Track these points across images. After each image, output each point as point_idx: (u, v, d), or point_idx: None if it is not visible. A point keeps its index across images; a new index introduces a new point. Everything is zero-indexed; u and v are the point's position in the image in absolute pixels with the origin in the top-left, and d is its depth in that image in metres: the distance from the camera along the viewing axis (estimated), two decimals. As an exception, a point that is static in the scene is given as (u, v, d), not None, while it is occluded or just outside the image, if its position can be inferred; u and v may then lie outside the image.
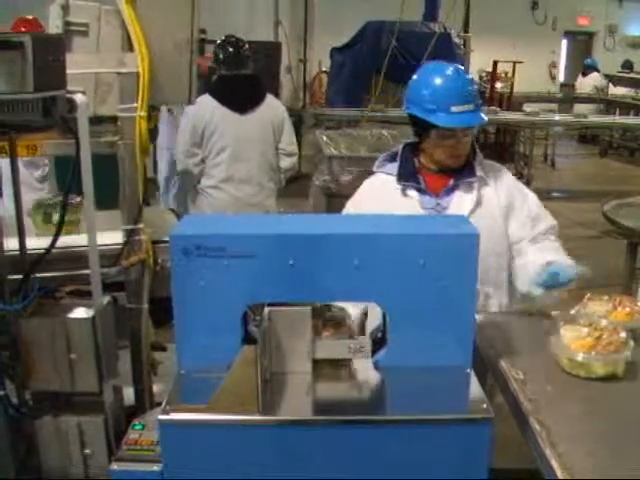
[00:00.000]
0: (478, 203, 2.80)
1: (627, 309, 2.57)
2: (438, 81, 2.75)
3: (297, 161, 5.02)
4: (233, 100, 4.54)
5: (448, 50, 11.18)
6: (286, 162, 4.82)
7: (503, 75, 13.87)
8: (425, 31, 11.18)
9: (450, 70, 2.78)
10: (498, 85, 13.50)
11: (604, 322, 2.36)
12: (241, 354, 2.02)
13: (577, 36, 20.55)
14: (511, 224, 2.86)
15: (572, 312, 2.58)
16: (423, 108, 2.73)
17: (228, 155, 4.59)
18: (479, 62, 14.55)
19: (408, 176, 2.84)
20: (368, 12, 12.94)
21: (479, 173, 2.83)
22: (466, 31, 14.00)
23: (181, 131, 4.53)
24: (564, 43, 20.43)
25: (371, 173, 3.01)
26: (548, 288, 2.62)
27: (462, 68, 2.85)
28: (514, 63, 13.32)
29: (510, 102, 13.20)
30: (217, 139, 4.55)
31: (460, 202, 2.79)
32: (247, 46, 4.86)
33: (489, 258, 2.75)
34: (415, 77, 2.84)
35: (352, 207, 2.97)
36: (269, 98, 4.81)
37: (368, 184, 2.99)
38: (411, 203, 2.81)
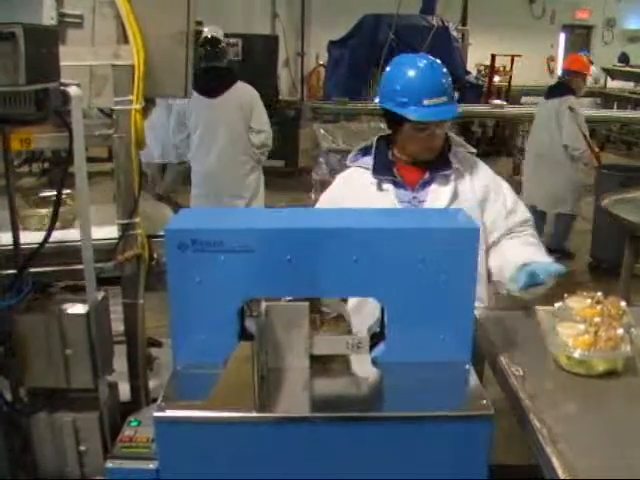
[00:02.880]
0: (455, 196, 2.78)
1: (611, 308, 2.53)
2: (410, 74, 2.71)
3: (269, 137, 5.64)
4: (205, 87, 5.30)
5: (446, 43, 11.18)
6: (256, 138, 5.57)
7: (501, 69, 13.86)
8: (423, 24, 11.18)
9: (422, 63, 2.73)
10: (496, 79, 13.48)
11: (597, 319, 2.34)
12: (238, 350, 2.00)
13: (575, 30, 20.53)
14: (486, 216, 2.83)
15: (554, 308, 2.59)
16: (395, 102, 2.71)
17: (200, 132, 5.53)
18: (477, 56, 14.54)
19: (383, 169, 2.82)
20: (366, 5, 12.89)
21: (455, 165, 2.80)
22: (464, 24, 14.00)
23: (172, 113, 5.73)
24: (562, 37, 20.40)
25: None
26: (527, 287, 2.60)
27: (436, 61, 2.78)
28: (512, 57, 13.32)
29: (508, 96, 13.19)
30: (193, 120, 5.54)
31: (437, 195, 2.77)
32: (222, 44, 5.75)
33: None
34: (387, 70, 2.82)
35: (326, 202, 2.95)
36: (239, 84, 5.58)
37: (342, 178, 2.98)
38: (387, 197, 2.79)
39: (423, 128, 2.71)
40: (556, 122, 7.11)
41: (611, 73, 14.85)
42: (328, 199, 2.96)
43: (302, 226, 2.13)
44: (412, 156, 2.81)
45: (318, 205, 2.97)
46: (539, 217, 7.12)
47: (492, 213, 2.83)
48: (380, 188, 2.80)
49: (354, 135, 7.87)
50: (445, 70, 2.75)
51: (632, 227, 4.79)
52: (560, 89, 7.36)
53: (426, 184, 2.80)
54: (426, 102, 2.65)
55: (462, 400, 2.11)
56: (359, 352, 2.19)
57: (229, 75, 5.67)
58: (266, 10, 15.81)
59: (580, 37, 20.55)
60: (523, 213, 2.91)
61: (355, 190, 2.85)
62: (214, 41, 5.67)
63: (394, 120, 2.77)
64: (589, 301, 2.36)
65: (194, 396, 1.98)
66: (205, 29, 6.48)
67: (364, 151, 2.92)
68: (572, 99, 7.08)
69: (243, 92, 5.59)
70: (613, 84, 14.82)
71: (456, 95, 2.94)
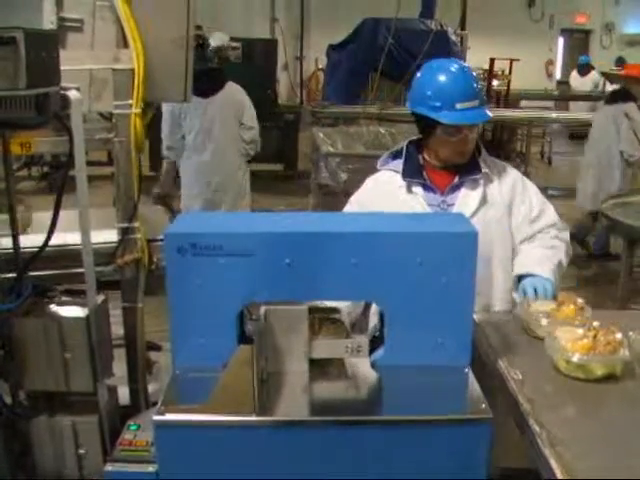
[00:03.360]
0: (484, 200, 2.79)
1: (572, 306, 2.58)
2: (442, 78, 2.74)
3: (257, 134, 5.92)
4: (199, 88, 5.13)
5: (445, 48, 11.15)
6: (247, 134, 5.84)
7: (500, 73, 13.86)
8: (422, 29, 11.16)
9: (454, 67, 2.76)
10: (495, 83, 13.49)
11: (596, 322, 2.34)
12: (237, 354, 2.00)
13: (574, 34, 20.56)
14: (512, 220, 2.84)
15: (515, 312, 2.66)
16: (428, 106, 2.72)
17: (196, 131, 5.66)
18: (476, 60, 14.48)
19: (413, 172, 2.83)
20: (365, 9, 12.92)
21: (484, 170, 2.82)
22: (463, 28, 13.98)
23: (165, 111, 5.60)
24: (561, 41, 20.43)
25: (373, 172, 3.00)
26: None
27: (467, 65, 2.84)
28: (511, 61, 13.32)
29: (507, 100, 13.21)
30: (189, 120, 5.65)
31: (466, 199, 2.79)
32: (212, 46, 6.06)
33: (496, 253, 2.78)
34: (419, 75, 2.84)
35: (356, 204, 2.95)
36: (230, 85, 5.82)
37: (372, 181, 2.98)
38: (416, 200, 2.80)
39: (455, 132, 2.73)
40: (615, 127, 7.20)
41: (610, 77, 14.84)
42: (357, 201, 2.96)
43: (302, 230, 2.14)
44: (444, 160, 2.83)
45: (347, 207, 2.97)
46: (592, 219, 7.28)
47: (517, 217, 2.85)
48: (410, 191, 2.82)
49: (353, 139, 7.87)
50: (475, 74, 2.80)
51: (630, 231, 4.80)
52: (621, 95, 7.43)
53: (455, 188, 2.82)
54: (459, 106, 2.67)
55: (461, 403, 2.11)
56: (358, 356, 2.19)
57: (220, 76, 5.89)
58: (265, 14, 15.83)
59: (579, 41, 20.58)
60: (549, 217, 2.90)
61: (384, 193, 2.87)
62: (203, 44, 5.86)
63: (426, 124, 2.79)
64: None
65: (194, 400, 1.98)
66: (212, 38, 7.05)
67: (394, 155, 2.94)
68: (632, 105, 7.14)
69: (235, 91, 5.88)
70: (612, 88, 14.81)
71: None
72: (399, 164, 2.87)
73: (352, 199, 2.99)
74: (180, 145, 5.77)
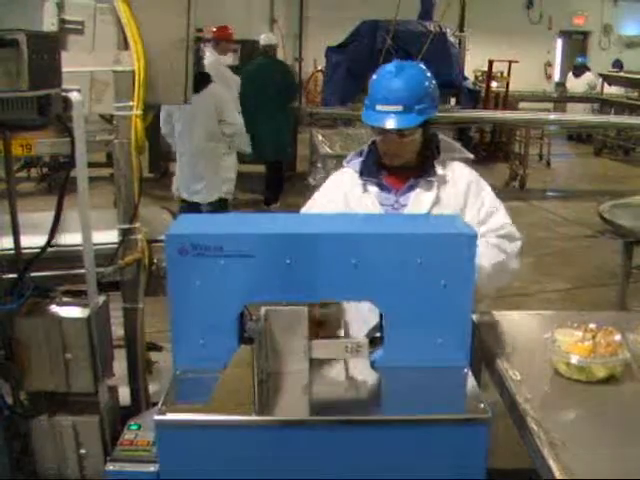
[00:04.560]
0: (436, 202, 2.79)
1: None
2: (376, 78, 2.77)
3: (239, 128, 6.56)
4: None
5: (443, 49, 11.19)
6: (228, 129, 6.41)
7: (499, 74, 13.87)
8: (421, 30, 11.17)
9: (391, 69, 2.74)
10: (494, 84, 13.49)
11: (592, 324, 2.35)
12: (237, 354, 2.01)
13: (572, 35, 20.58)
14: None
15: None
16: (365, 103, 2.77)
17: (182, 123, 6.27)
18: (475, 61, 14.57)
19: (370, 172, 2.85)
20: (364, 11, 12.93)
21: (440, 172, 2.81)
22: (462, 30, 14.02)
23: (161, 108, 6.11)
24: (559, 42, 20.45)
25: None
26: None
27: (413, 69, 2.79)
28: (509, 62, 13.32)
29: (505, 101, 13.22)
30: (177, 113, 6.24)
31: (419, 200, 2.78)
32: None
33: None
34: None
35: (322, 198, 2.97)
36: (214, 85, 6.36)
37: (334, 178, 3.00)
38: (370, 199, 2.81)
39: (380, 133, 2.75)
40: None
41: (608, 79, 14.87)
42: (324, 197, 2.98)
43: (301, 231, 2.15)
44: (384, 159, 2.85)
45: (312, 201, 2.99)
46: None
47: (468, 218, 2.82)
48: (365, 190, 2.83)
49: (351, 140, 7.88)
50: (417, 79, 2.73)
51: (627, 232, 4.80)
52: None
53: (410, 189, 2.82)
54: (378, 107, 2.69)
55: (460, 404, 2.12)
56: (358, 356, 2.20)
57: (204, 77, 6.30)
58: (264, 15, 15.84)
59: (577, 43, 20.58)
60: (496, 221, 2.86)
61: (343, 190, 2.88)
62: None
63: None
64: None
65: (194, 400, 2.00)
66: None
67: (360, 153, 2.95)
68: None
69: (216, 93, 6.41)
70: (610, 90, 14.83)
71: (441, 101, 2.92)
72: (359, 162, 2.90)
73: (316, 194, 3.01)
74: (171, 135, 6.40)
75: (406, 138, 2.73)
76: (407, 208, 2.78)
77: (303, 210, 2.94)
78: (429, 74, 2.80)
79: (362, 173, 2.84)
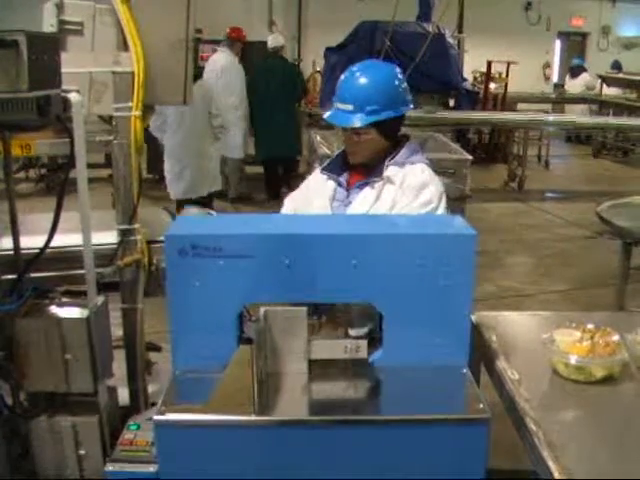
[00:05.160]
0: (377, 200, 2.79)
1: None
2: (341, 76, 2.82)
3: (224, 121, 7.06)
4: None
5: (442, 50, 11.19)
6: (215, 121, 6.80)
7: (497, 75, 13.87)
8: (419, 31, 11.17)
9: (356, 69, 2.79)
10: (492, 85, 13.50)
11: (590, 325, 2.35)
12: (237, 354, 2.02)
13: (571, 36, 20.58)
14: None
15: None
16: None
17: (173, 115, 6.47)
18: (473, 62, 14.56)
19: (333, 168, 2.89)
20: (362, 12, 12.93)
21: (386, 174, 2.80)
22: (460, 31, 14.03)
23: None
24: (558, 43, 20.45)
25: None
26: None
27: (379, 69, 2.85)
28: (508, 63, 13.32)
29: (504, 103, 13.22)
30: (171, 108, 6.25)
31: (363, 198, 2.80)
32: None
33: None
34: None
35: (291, 198, 3.02)
36: (201, 81, 6.94)
37: (310, 177, 3.06)
38: (325, 192, 2.84)
39: (340, 130, 2.83)
40: None
41: (606, 80, 14.87)
42: (291, 197, 3.03)
43: (301, 231, 2.16)
44: (348, 157, 2.88)
45: (286, 199, 3.03)
46: None
47: (399, 206, 2.80)
48: (325, 184, 2.87)
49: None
50: (374, 80, 2.75)
51: (624, 233, 4.80)
52: None
53: (359, 188, 2.84)
54: (337, 105, 2.75)
55: (459, 403, 2.12)
56: (357, 356, 2.20)
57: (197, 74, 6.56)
58: (263, 17, 15.83)
59: (575, 44, 20.59)
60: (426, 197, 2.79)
61: (312, 185, 2.95)
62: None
63: None
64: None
65: (194, 400, 2.00)
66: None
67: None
68: None
69: (204, 87, 6.83)
70: (609, 91, 14.84)
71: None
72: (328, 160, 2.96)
73: (291, 194, 3.06)
74: (162, 129, 6.56)
75: (360, 137, 2.75)
76: (352, 205, 2.79)
77: (283, 211, 2.97)
78: (395, 76, 2.80)
79: (325, 168, 2.90)
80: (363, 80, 2.75)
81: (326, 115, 2.81)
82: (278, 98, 9.19)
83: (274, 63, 9.43)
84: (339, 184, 2.86)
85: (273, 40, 9.51)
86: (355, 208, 2.73)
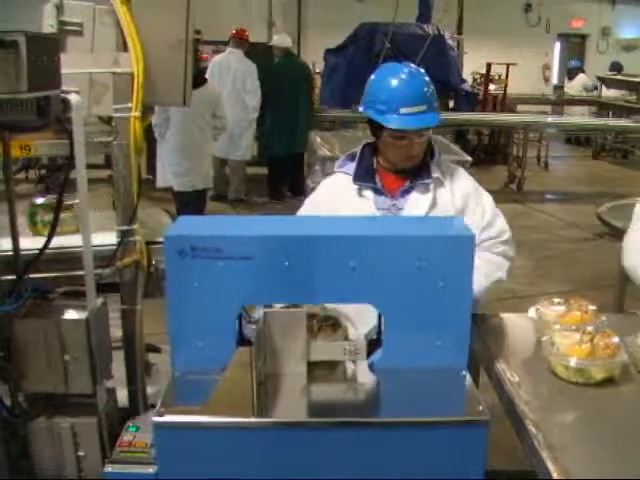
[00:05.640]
0: (433, 204, 2.79)
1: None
2: (390, 82, 2.73)
3: (226, 123, 7.49)
4: None
5: (442, 52, 11.21)
6: (219, 122, 7.23)
7: (496, 77, 13.88)
8: (419, 33, 11.20)
9: (403, 71, 2.74)
10: (492, 87, 13.51)
11: (590, 327, 2.35)
12: (236, 356, 2.01)
13: (570, 38, 20.59)
14: None
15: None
16: (375, 109, 2.72)
17: (178, 115, 6.70)
18: (472, 64, 14.57)
19: (364, 176, 2.83)
20: (362, 13, 12.95)
21: (435, 174, 2.81)
22: (460, 33, 14.04)
23: None
24: (557, 45, 20.46)
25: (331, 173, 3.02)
26: None
27: (419, 69, 2.81)
28: (507, 65, 13.33)
29: (504, 104, 13.23)
30: (173, 108, 6.49)
31: (416, 203, 2.78)
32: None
33: None
34: (372, 77, 2.82)
35: (310, 205, 2.97)
36: (209, 84, 7.29)
37: (326, 184, 2.99)
38: (366, 203, 2.80)
39: (401, 137, 2.72)
40: None
41: (606, 82, 14.88)
42: (312, 203, 2.97)
43: (300, 233, 2.15)
44: (392, 164, 2.82)
45: (303, 208, 2.98)
46: None
47: (469, 222, 2.81)
48: (360, 194, 2.82)
49: (350, 143, 7.88)
50: (427, 79, 2.75)
51: (623, 234, 4.79)
52: None
53: (406, 192, 2.81)
54: (403, 110, 2.66)
55: (459, 405, 2.12)
56: (356, 358, 2.20)
57: (199, 76, 6.84)
58: (263, 18, 15.83)
59: (575, 46, 20.61)
60: (498, 227, 2.88)
61: (337, 195, 2.87)
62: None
63: (375, 128, 2.79)
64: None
65: (193, 401, 2.00)
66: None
67: (351, 157, 2.94)
68: None
69: (210, 90, 7.19)
70: (608, 93, 14.85)
71: (440, 103, 2.89)
72: (352, 167, 2.88)
73: (307, 200, 3.00)
74: (164, 124, 6.77)
75: (423, 138, 2.75)
76: (404, 211, 2.77)
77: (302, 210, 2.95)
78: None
79: (356, 177, 2.83)
80: (423, 80, 2.73)
81: (395, 124, 2.67)
82: (294, 97, 9.41)
83: (287, 62, 9.62)
84: (377, 192, 2.82)
85: (283, 40, 9.74)
86: (409, 214, 2.72)
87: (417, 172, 2.81)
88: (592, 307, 2.57)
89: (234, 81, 8.89)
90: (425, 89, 2.71)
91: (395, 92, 2.70)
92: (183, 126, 6.81)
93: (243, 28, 9.52)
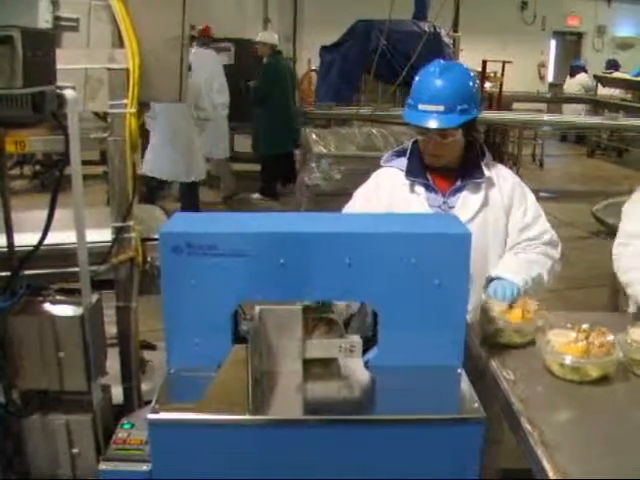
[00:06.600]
0: (485, 203, 2.81)
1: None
2: (419, 78, 2.78)
3: (208, 115, 7.80)
4: None
5: (437, 50, 11.16)
6: (201, 113, 7.54)
7: (492, 75, 13.88)
8: (415, 30, 11.16)
9: (437, 69, 2.74)
10: (487, 85, 13.50)
11: (585, 325, 2.35)
12: (231, 353, 2.01)
13: (566, 36, 20.61)
14: (508, 224, 2.85)
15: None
16: (408, 102, 2.78)
17: (163, 110, 6.91)
18: (468, 62, 14.38)
19: (416, 172, 2.85)
20: (358, 11, 12.90)
21: (487, 174, 2.82)
22: (455, 31, 14.00)
23: None
24: (553, 43, 20.47)
25: (365, 172, 3.01)
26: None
27: (454, 69, 2.78)
28: (503, 63, 13.33)
29: (499, 102, 13.23)
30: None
31: (467, 202, 2.80)
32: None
33: (492, 256, 2.80)
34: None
35: (361, 198, 2.96)
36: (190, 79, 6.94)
37: (375, 177, 2.99)
38: (418, 199, 2.82)
39: (421, 133, 2.76)
40: None
41: (602, 80, 14.89)
42: (362, 195, 2.97)
43: (296, 230, 2.15)
44: (427, 161, 2.84)
45: (352, 201, 2.98)
46: None
47: (512, 222, 2.86)
48: (412, 190, 2.83)
49: (345, 140, 7.88)
50: (458, 80, 2.73)
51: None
52: None
53: (457, 191, 2.83)
54: (421, 107, 2.69)
55: (454, 403, 2.12)
56: (352, 356, 2.20)
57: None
58: (258, 15, 15.80)
59: (571, 44, 20.62)
60: (539, 228, 2.89)
61: (388, 189, 2.89)
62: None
63: None
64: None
65: (188, 399, 1.99)
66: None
67: (398, 153, 2.94)
68: None
69: (194, 80, 7.11)
70: (604, 91, 14.87)
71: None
72: (404, 162, 2.88)
73: (357, 193, 3.00)
74: (152, 114, 6.91)
75: (447, 139, 2.74)
76: (455, 210, 2.78)
77: (344, 210, 2.94)
78: (472, 75, 2.82)
79: (409, 173, 2.84)
80: (451, 80, 2.71)
81: (410, 118, 2.72)
82: (285, 96, 9.64)
83: (279, 60, 9.85)
84: (429, 189, 2.83)
85: (270, 37, 9.83)
86: (460, 212, 2.71)
87: (468, 171, 2.82)
88: (535, 306, 2.58)
89: (211, 79, 8.72)
90: (448, 90, 2.70)
91: (418, 88, 2.75)
92: (169, 117, 7.03)
93: (208, 26, 9.38)
